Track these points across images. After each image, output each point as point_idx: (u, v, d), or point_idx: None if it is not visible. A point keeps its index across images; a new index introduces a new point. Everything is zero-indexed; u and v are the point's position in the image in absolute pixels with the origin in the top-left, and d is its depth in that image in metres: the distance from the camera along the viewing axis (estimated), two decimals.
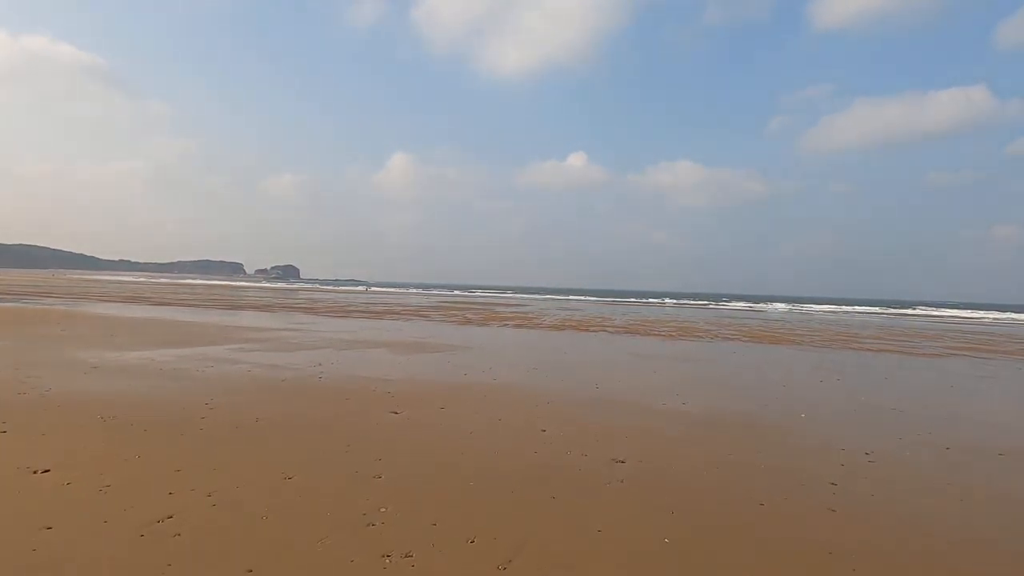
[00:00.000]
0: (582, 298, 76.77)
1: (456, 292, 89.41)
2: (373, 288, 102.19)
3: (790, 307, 65.88)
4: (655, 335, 20.92)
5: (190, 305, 29.06)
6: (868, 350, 18.11)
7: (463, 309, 36.14)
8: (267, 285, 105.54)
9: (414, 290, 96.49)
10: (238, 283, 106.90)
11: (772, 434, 6.35)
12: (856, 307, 71.34)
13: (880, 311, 63.71)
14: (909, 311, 65.81)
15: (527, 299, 68.33)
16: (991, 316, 60.67)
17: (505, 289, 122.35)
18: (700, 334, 22.13)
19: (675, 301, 74.06)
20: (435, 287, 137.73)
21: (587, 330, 22.07)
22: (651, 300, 77.28)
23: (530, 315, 31.65)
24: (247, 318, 21.77)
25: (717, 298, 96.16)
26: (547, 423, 6.28)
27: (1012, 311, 76.15)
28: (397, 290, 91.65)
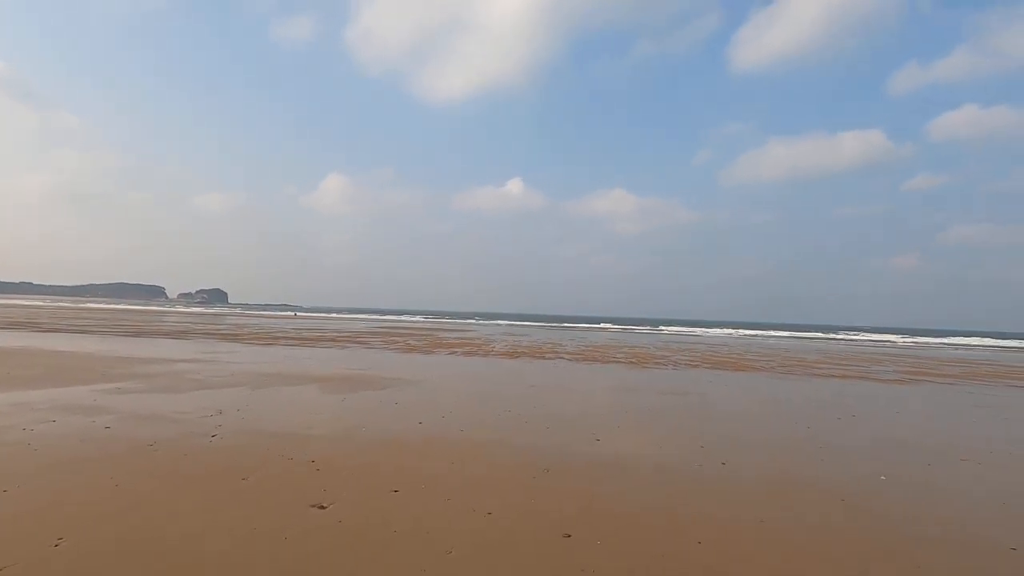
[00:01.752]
0: (523, 323, 75.21)
1: (395, 317, 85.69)
2: (305, 313, 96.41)
3: (728, 332, 67.24)
4: (614, 362, 19.38)
5: (85, 331, 24.83)
6: (832, 376, 17.34)
7: (404, 335, 33.44)
8: (189, 310, 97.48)
9: (350, 315, 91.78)
10: (156, 308, 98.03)
11: (911, 519, 4.64)
12: (782, 332, 73.92)
13: (808, 335, 66.14)
14: (833, 335, 68.71)
15: (469, 324, 65.99)
16: (901, 339, 64.34)
17: (444, 314, 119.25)
18: (659, 360, 20.84)
19: (616, 326, 73.95)
20: (372, 312, 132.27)
21: (543, 357, 20.23)
22: (592, 325, 76.87)
23: (477, 341, 29.50)
24: (150, 347, 18.35)
25: (654, 322, 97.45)
26: (564, 515, 4.16)
27: (919, 335, 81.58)
28: (332, 315, 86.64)
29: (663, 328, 71.88)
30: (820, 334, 70.57)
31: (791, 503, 4.69)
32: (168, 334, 25.81)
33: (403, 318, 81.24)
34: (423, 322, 67.43)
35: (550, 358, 20.15)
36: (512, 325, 67.22)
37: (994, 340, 68.89)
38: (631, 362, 19.83)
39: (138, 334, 24.84)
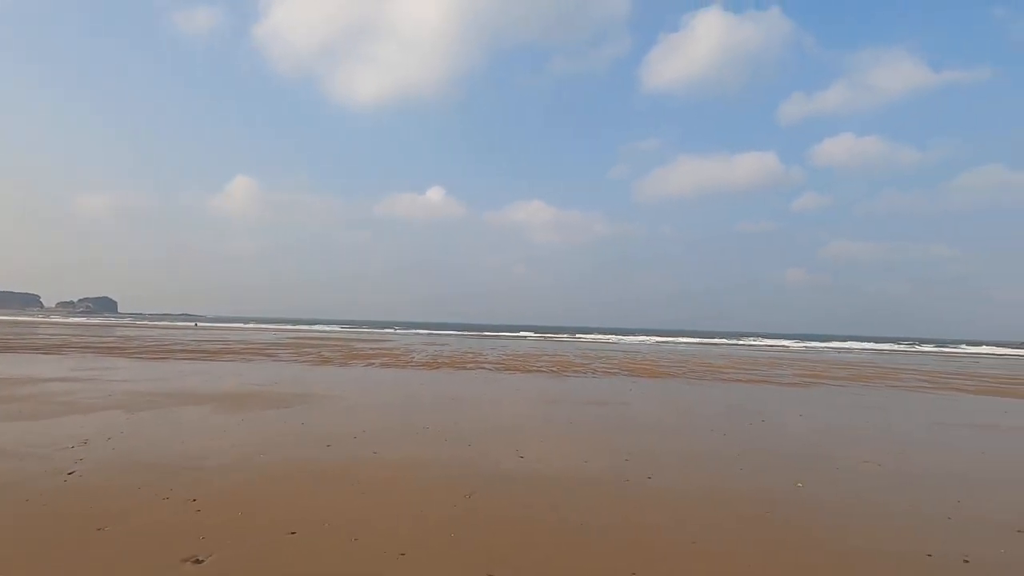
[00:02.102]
0: (445, 332, 74.23)
1: (308, 327, 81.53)
2: (208, 323, 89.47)
3: (641, 339, 70.06)
4: (536, 371, 19.29)
5: None
6: (738, 381, 18.24)
7: (318, 346, 31.63)
8: (69, 320, 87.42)
9: (259, 325, 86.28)
10: (28, 318, 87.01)
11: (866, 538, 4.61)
12: (691, 338, 78.24)
13: (714, 341, 70.42)
14: (736, 342, 73.60)
15: (387, 334, 64.12)
16: (793, 344, 70.19)
17: (361, 324, 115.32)
18: (579, 369, 21.02)
19: (536, 335, 74.78)
20: (284, 322, 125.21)
21: (464, 368, 19.76)
22: (513, 334, 77.24)
23: (396, 351, 28.47)
24: (13, 364, 15.90)
25: (573, 331, 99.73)
26: (490, 550, 3.71)
27: (809, 340, 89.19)
28: (239, 326, 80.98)
29: (581, 336, 73.62)
30: (724, 340, 75.40)
31: (721, 519, 4.57)
32: (39, 348, 22.71)
33: (317, 328, 77.45)
34: (339, 332, 64.61)
35: (471, 368, 19.72)
36: (433, 334, 66.09)
37: (872, 344, 77.70)
38: (552, 371, 19.82)
39: (2, 349, 21.64)
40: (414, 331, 76.42)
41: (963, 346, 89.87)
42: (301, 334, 53.17)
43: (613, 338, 70.04)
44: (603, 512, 4.63)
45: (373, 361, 21.58)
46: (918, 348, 70.90)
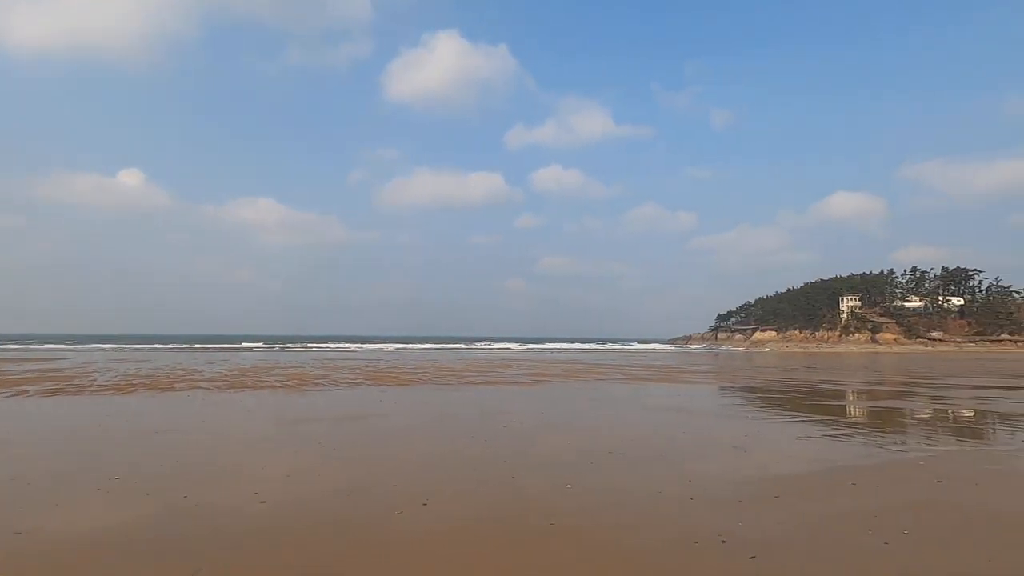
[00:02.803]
0: (144, 346, 60.64)
1: None
2: None
3: (380, 346, 69.37)
4: (268, 387, 16.91)
5: None
6: (479, 383, 19.21)
7: None
8: None
9: None
10: None
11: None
12: (429, 344, 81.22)
13: (450, 346, 74.27)
14: (469, 346, 79.15)
15: (57, 350, 49.39)
16: (517, 346, 79.15)
17: (17, 337, 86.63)
18: (320, 381, 19.27)
19: (264, 345, 67.15)
20: None
21: (171, 389, 16.08)
22: (234, 345, 67.80)
23: (69, 373, 21.72)
24: None
25: (306, 340, 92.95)
26: None
27: (529, 343, 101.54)
28: None
29: (314, 345, 69.00)
30: (460, 345, 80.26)
31: (514, 546, 4.28)
32: None
33: None
34: None
35: (181, 389, 16.18)
36: (127, 349, 53.35)
37: (579, 344, 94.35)
38: (289, 386, 17.67)
39: None
40: (98, 345, 60.49)
41: (635, 344, 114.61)
42: None
43: (352, 346, 67.57)
44: (369, 561, 3.88)
45: (28, 388, 15.92)
46: (607, 347, 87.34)
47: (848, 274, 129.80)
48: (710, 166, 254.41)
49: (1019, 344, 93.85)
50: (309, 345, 68.37)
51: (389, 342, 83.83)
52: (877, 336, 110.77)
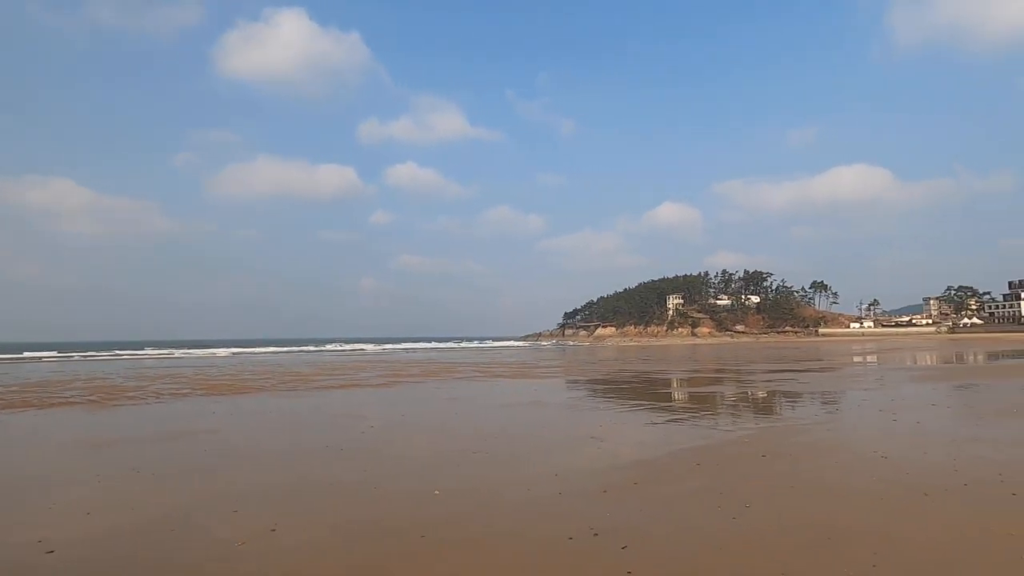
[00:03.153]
0: None
1: None
2: None
3: (212, 351, 62.07)
4: (65, 404, 13.97)
5: None
6: (331, 387, 18.00)
7: None
8: None
9: None
10: None
11: None
12: (271, 347, 74.56)
13: (296, 349, 68.92)
14: (319, 348, 74.20)
15: None
16: (371, 347, 76.31)
17: None
18: (134, 395, 16.47)
19: (57, 354, 56.07)
20: None
21: None
22: (16, 355, 55.64)
23: None
24: None
25: (117, 346, 79.61)
26: None
27: (384, 343, 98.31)
28: None
29: (130, 353, 59.46)
30: (312, 347, 74.82)
31: (381, 570, 3.85)
32: None
33: None
34: None
35: None
36: None
37: (436, 343, 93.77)
38: (93, 401, 14.82)
39: None
40: None
41: (490, 341, 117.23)
42: None
43: (178, 352, 59.41)
44: None
45: None
46: (463, 345, 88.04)
47: (673, 275, 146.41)
48: (559, 172, 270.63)
49: (799, 334, 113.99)
50: (120, 353, 58.54)
51: (225, 346, 75.24)
52: (696, 330, 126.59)
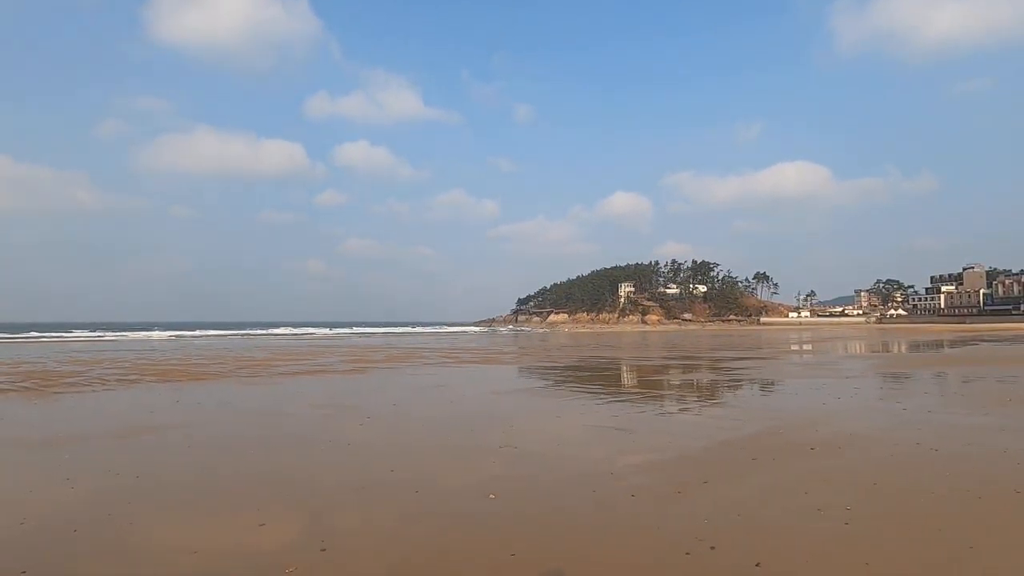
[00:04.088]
0: None
1: None
2: None
3: (147, 334, 58.10)
4: None
5: None
6: (298, 373, 16.81)
7: None
8: None
9: None
10: None
11: None
12: (210, 331, 70.59)
13: (239, 333, 65.45)
14: (264, 331, 70.77)
15: None
16: (321, 331, 73.54)
17: None
18: (74, 381, 14.73)
19: None
20: None
21: None
22: None
23: None
24: None
25: (36, 328, 73.31)
26: None
27: (335, 327, 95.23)
28: None
29: (45, 336, 54.72)
30: (260, 331, 71.22)
31: None
32: None
33: None
34: None
35: None
36: None
37: (388, 328, 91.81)
38: (26, 388, 13.12)
39: None
40: None
41: (443, 327, 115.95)
42: None
43: (108, 335, 55.20)
44: None
45: None
46: (417, 330, 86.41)
47: (625, 264, 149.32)
48: (513, 158, 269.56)
49: (742, 323, 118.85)
50: (39, 336, 53.56)
51: (160, 329, 70.55)
52: (646, 317, 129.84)
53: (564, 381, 14.87)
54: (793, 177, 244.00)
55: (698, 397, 11.61)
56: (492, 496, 4.76)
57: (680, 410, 9.68)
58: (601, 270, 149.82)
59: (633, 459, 6.07)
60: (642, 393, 12.05)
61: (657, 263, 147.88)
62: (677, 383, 14.57)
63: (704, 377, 15.58)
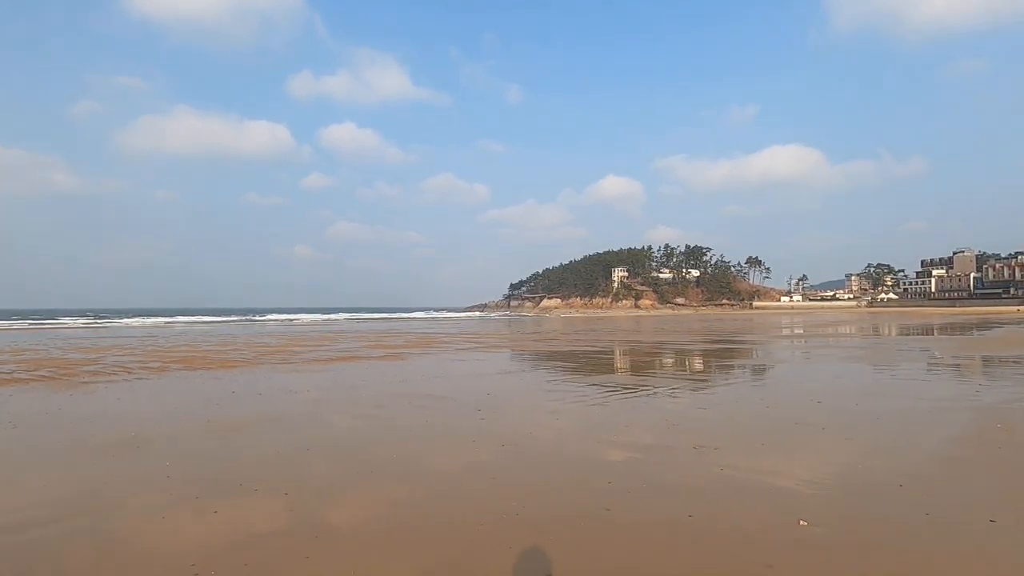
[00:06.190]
0: None
1: None
2: None
3: (139, 320, 56.31)
4: (11, 382, 11.14)
5: None
6: (333, 360, 15.86)
7: None
8: None
9: None
10: None
11: None
12: (205, 317, 68.91)
13: (235, 319, 63.77)
14: (265, 318, 69.10)
15: None
16: (311, 317, 72.12)
17: None
18: (95, 372, 13.63)
19: None
20: None
21: None
22: None
23: None
24: None
25: (15, 314, 70.80)
26: None
27: (328, 312, 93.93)
28: None
29: (29, 321, 52.78)
30: (256, 317, 69.57)
31: None
32: None
33: None
34: None
35: None
36: None
37: (378, 313, 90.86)
38: (45, 377, 12.04)
39: None
40: None
41: (432, 312, 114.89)
42: None
43: (100, 322, 53.36)
44: None
45: None
46: (413, 316, 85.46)
47: (618, 249, 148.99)
48: (503, 141, 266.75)
49: (735, 307, 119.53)
50: (26, 323, 51.57)
51: (142, 315, 68.51)
52: (639, 302, 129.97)
53: (606, 369, 14.11)
54: (785, 161, 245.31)
55: (758, 380, 10.90)
56: (803, 524, 3.93)
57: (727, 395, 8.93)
58: (594, 255, 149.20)
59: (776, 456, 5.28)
60: (685, 376, 11.30)
61: (650, 248, 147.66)
62: (719, 367, 13.89)
63: (746, 361, 14.91)
